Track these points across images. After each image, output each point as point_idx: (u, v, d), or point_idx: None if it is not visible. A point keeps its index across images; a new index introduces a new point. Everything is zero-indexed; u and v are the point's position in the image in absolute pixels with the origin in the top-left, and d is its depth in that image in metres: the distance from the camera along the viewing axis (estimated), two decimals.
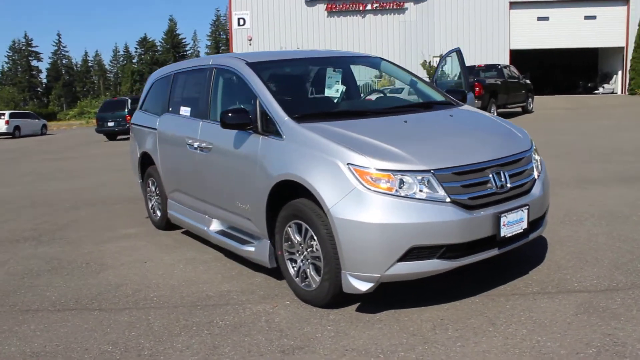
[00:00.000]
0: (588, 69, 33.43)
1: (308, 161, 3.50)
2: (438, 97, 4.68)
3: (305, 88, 4.53)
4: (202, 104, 4.83)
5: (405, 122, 3.90)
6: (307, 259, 3.66)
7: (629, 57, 28.78)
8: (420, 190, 3.25)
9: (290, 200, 3.74)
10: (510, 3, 30.19)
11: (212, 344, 3.24)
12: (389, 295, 3.72)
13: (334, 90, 4.66)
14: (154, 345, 3.27)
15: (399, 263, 3.24)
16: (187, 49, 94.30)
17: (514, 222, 3.50)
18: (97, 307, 3.94)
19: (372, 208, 3.21)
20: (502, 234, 3.44)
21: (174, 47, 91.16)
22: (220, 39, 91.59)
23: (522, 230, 3.57)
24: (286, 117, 3.82)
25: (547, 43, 30.08)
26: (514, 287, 3.81)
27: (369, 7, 30.74)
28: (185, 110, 5.18)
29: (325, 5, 30.43)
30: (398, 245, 3.21)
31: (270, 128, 3.93)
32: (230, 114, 4.02)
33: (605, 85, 31.03)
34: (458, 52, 6.20)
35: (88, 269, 4.84)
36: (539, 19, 30.13)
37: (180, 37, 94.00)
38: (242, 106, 4.21)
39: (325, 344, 3.15)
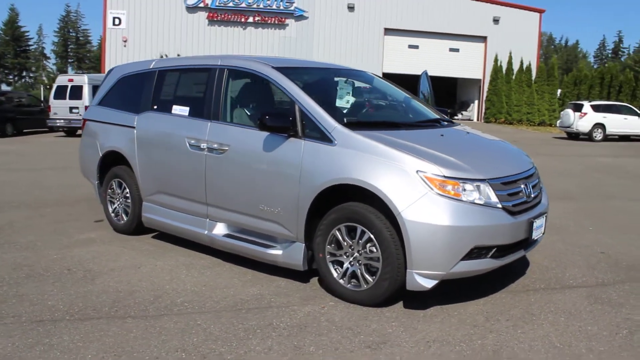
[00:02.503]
0: (448, 96, 37.08)
1: (372, 167, 3.66)
2: (432, 114, 5.04)
3: (330, 97, 4.63)
4: (210, 105, 4.68)
5: (442, 135, 4.23)
6: (358, 261, 3.79)
7: (485, 88, 32.55)
8: (479, 197, 3.59)
9: (333, 204, 3.84)
10: (385, 29, 32.48)
11: (292, 345, 3.23)
12: (421, 295, 3.94)
13: (345, 101, 4.84)
14: (231, 349, 3.17)
15: (461, 262, 3.55)
16: (30, 43, 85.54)
17: (539, 227, 4.01)
18: (126, 315, 3.65)
19: (442, 212, 3.48)
20: (532, 237, 3.91)
21: (15, 39, 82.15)
22: (69, 36, 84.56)
23: (541, 235, 4.08)
24: (337, 124, 3.92)
25: (416, 69, 32.75)
26: (524, 285, 4.32)
27: (250, 19, 30.93)
28: (181, 110, 4.96)
29: (207, 14, 29.97)
30: (463, 245, 3.52)
31: (313, 133, 3.99)
32: (271, 117, 4.01)
33: (464, 112, 34.67)
34: (425, 74, 6.73)
35: (76, 276, 4.40)
36: (410, 46, 32.83)
37: (22, 29, 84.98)
38: (278, 110, 4.21)
39: (403, 338, 3.33)
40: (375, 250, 3.68)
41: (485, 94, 32.56)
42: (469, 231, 3.52)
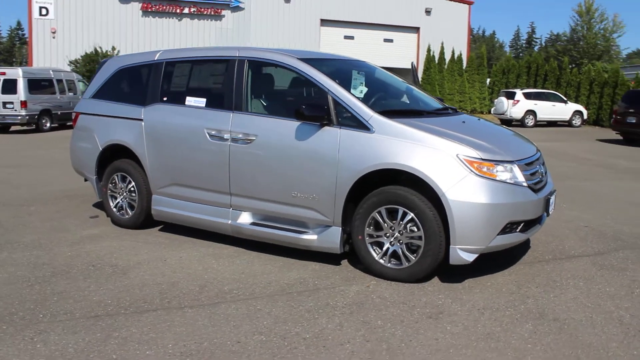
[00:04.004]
0: None
1: (414, 152, 3.90)
2: (437, 103, 5.35)
3: (349, 87, 4.80)
4: (232, 96, 4.73)
5: (464, 122, 4.54)
6: (399, 240, 4.03)
7: (419, 78, 33.59)
8: (510, 177, 3.93)
9: (365, 189, 4.07)
10: (321, 20, 32.75)
11: (360, 321, 3.42)
12: (452, 270, 4.23)
13: (359, 91, 5.03)
14: (305, 329, 3.31)
15: (498, 236, 3.88)
16: None
17: (552, 204, 4.41)
18: (181, 305, 3.68)
19: (481, 191, 3.79)
20: (548, 213, 4.31)
21: None
22: None
23: (551, 211, 4.50)
24: (373, 113, 4.13)
25: None
26: (534, 257, 4.74)
27: (186, 10, 30.18)
28: (196, 101, 4.97)
29: (141, 4, 28.92)
30: (500, 221, 3.85)
31: (348, 122, 4.18)
32: (308, 107, 4.16)
33: None
34: (412, 65, 7.02)
35: (104, 271, 4.34)
36: (346, 37, 33.31)
37: None
38: (313, 100, 4.34)
39: (455, 308, 3.61)
40: (416, 229, 3.94)
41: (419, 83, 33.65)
42: (504, 208, 3.86)
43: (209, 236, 5.16)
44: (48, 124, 17.93)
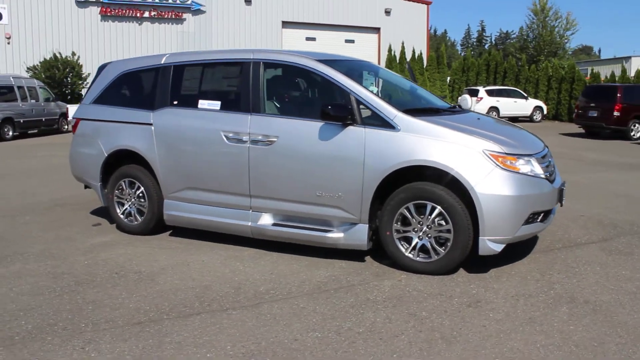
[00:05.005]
0: None
1: (441, 148, 4.04)
2: (442, 101, 5.52)
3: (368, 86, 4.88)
4: (248, 98, 4.74)
5: (479, 119, 4.71)
6: (427, 234, 4.16)
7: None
8: (530, 169, 4.12)
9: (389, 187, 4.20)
10: (283, 22, 32.78)
11: (406, 313, 3.53)
12: (474, 261, 4.39)
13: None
14: (356, 324, 3.39)
15: (522, 226, 4.06)
16: None
17: (564, 195, 4.63)
18: (224, 308, 3.69)
19: (507, 184, 3.97)
20: (562, 203, 4.53)
21: None
22: None
23: (564, 201, 4.72)
24: (398, 112, 4.24)
25: None
26: (546, 246, 4.97)
27: (146, 14, 29.63)
28: (210, 104, 4.96)
29: (99, 9, 28.20)
30: (524, 211, 4.04)
31: (373, 121, 4.28)
32: (334, 107, 4.24)
33: None
34: (408, 65, 7.20)
35: (130, 278, 4.29)
36: (307, 38, 33.44)
37: None
38: (337, 101, 4.42)
39: (490, 296, 3.77)
40: (444, 223, 4.08)
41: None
42: (528, 199, 4.05)
43: (222, 239, 5.16)
44: (10, 133, 17.28)
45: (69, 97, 23.21)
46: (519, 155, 4.12)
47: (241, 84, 4.85)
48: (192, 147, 5.00)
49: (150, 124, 5.21)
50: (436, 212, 4.09)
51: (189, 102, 5.13)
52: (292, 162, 4.54)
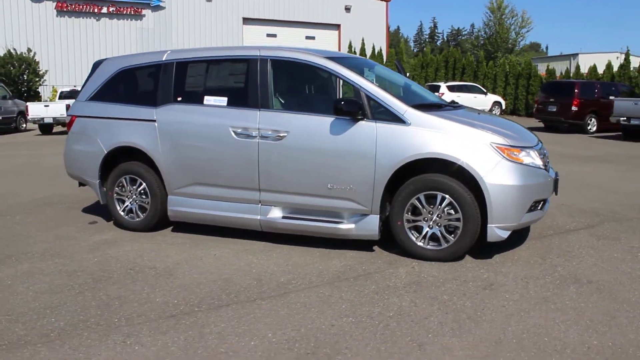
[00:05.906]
0: None
1: (451, 141, 4.26)
2: (435, 97, 5.76)
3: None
4: (257, 94, 4.83)
5: (479, 114, 4.95)
6: (437, 223, 4.38)
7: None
8: (531, 161, 4.40)
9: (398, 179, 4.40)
10: (244, 19, 32.61)
11: (429, 297, 3.73)
12: (476, 248, 4.65)
13: None
14: (384, 309, 3.56)
15: (526, 214, 4.34)
16: None
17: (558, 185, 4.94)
18: (251, 299, 3.79)
19: (513, 174, 4.24)
20: (557, 192, 4.85)
21: None
22: None
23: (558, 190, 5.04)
24: (407, 107, 4.44)
25: None
26: (539, 233, 5.28)
27: (104, 10, 28.87)
28: (216, 100, 5.02)
29: (55, 4, 27.28)
30: (528, 200, 4.31)
31: (383, 116, 4.46)
32: (346, 103, 4.40)
33: None
34: (397, 62, 7.40)
35: (147, 274, 4.32)
36: (268, 35, 33.40)
37: None
38: (349, 96, 4.57)
39: (502, 280, 4.02)
40: (454, 212, 4.31)
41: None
42: (531, 188, 4.33)
43: (227, 233, 5.23)
44: None
45: (25, 94, 22.43)
46: (522, 148, 4.39)
47: (249, 80, 4.93)
48: (198, 143, 5.05)
49: (154, 121, 5.23)
50: (446, 202, 4.31)
51: (194, 98, 5.17)
52: (303, 156, 4.66)
